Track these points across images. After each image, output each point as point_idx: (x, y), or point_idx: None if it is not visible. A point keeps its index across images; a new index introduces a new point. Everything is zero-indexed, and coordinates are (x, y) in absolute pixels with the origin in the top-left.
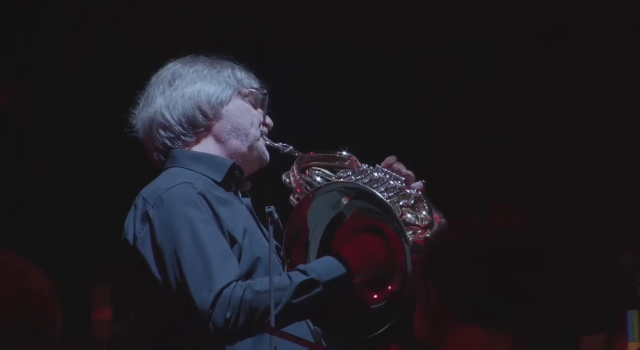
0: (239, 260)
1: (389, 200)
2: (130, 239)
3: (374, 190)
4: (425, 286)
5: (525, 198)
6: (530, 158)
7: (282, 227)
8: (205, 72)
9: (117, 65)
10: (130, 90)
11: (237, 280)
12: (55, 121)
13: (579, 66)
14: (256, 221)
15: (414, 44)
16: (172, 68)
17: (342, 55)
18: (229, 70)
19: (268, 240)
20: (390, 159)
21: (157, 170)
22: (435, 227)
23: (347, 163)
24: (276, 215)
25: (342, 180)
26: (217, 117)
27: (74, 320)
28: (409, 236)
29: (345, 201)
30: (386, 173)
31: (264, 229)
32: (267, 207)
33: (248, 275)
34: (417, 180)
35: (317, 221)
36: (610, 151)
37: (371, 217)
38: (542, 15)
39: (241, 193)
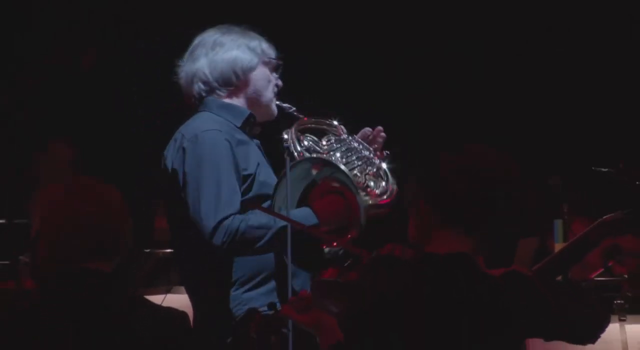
0: (251, 185)
1: (355, 169)
2: (169, 165)
3: (339, 164)
4: (416, 202)
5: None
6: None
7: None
8: (240, 41)
9: (117, 64)
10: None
11: (236, 213)
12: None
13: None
14: (264, 156)
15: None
16: (213, 36)
17: (342, 55)
18: (257, 41)
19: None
20: (366, 131)
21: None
22: (388, 194)
23: (334, 129)
24: (291, 148)
25: (314, 155)
26: (245, 78)
27: (141, 228)
28: (365, 198)
29: (315, 171)
30: (360, 143)
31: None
32: (284, 143)
33: (259, 196)
34: (383, 150)
35: (295, 184)
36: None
37: (336, 182)
38: None
39: (253, 135)
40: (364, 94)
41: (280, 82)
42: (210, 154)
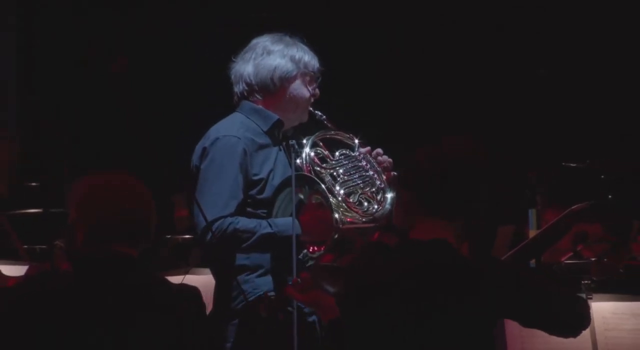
0: (264, 188)
1: (351, 187)
2: (196, 160)
3: (321, 184)
4: (401, 192)
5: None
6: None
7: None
8: (286, 51)
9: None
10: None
11: (228, 216)
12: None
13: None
14: (286, 154)
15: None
16: (265, 42)
17: (341, 54)
18: (301, 53)
19: (290, 166)
20: (379, 150)
21: None
22: (372, 218)
23: (351, 143)
24: (296, 146)
25: (302, 173)
26: (282, 87)
27: (163, 218)
28: (355, 217)
29: (306, 185)
30: (369, 162)
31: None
32: (289, 140)
33: (272, 197)
34: (390, 171)
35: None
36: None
37: (319, 198)
38: None
39: (282, 133)
40: (360, 94)
41: (317, 93)
42: (222, 158)
